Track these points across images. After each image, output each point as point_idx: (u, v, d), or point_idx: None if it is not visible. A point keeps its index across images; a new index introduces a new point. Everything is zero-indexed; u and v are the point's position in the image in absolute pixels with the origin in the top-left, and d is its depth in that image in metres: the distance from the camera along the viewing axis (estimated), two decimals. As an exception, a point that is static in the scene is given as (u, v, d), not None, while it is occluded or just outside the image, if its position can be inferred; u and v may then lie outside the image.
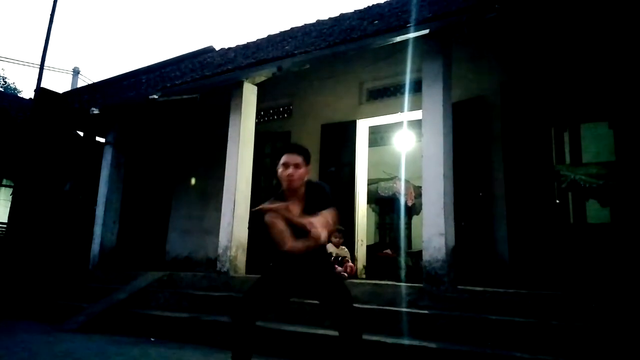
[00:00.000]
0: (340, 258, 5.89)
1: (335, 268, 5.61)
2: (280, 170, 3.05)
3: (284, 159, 3.06)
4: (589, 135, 6.26)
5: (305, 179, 3.06)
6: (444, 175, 4.90)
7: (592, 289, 4.65)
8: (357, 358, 2.85)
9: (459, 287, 4.64)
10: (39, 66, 9.62)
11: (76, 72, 17.12)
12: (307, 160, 3.08)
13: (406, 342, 3.88)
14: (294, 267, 3.01)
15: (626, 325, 3.59)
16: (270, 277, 3.07)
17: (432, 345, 3.77)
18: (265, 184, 8.69)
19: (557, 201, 5.90)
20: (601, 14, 5.51)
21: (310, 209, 2.94)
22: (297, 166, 3.01)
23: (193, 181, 9.62)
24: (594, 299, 3.95)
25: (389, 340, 3.90)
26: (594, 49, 5.71)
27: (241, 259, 6.36)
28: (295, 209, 3.02)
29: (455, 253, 4.83)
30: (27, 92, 35.06)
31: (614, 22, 5.54)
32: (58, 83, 64.63)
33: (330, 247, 5.82)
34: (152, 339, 5.06)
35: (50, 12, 8.68)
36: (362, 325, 2.96)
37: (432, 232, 4.83)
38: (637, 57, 5.40)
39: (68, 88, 16.28)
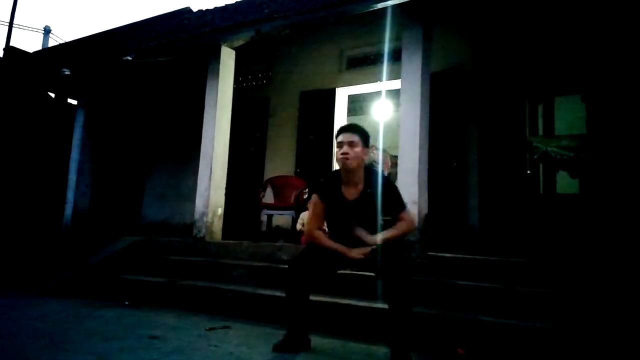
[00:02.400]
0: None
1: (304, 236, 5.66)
2: (336, 150, 3.00)
3: (339, 137, 2.99)
4: (562, 108, 6.38)
5: (364, 160, 2.98)
6: (419, 145, 4.95)
7: (559, 257, 4.82)
8: (407, 332, 2.81)
9: (430, 253, 4.77)
10: (7, 24, 9.23)
11: (47, 31, 16.44)
12: (364, 141, 3.00)
13: (379, 305, 3.98)
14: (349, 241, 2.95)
15: (590, 291, 3.75)
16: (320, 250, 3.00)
17: (403, 308, 3.88)
18: (243, 150, 8.65)
19: (529, 172, 6.05)
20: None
21: (369, 201, 2.91)
22: (351, 144, 2.93)
23: (170, 146, 9.51)
24: (560, 267, 4.11)
25: (362, 303, 4.00)
26: (568, 22, 5.77)
27: (217, 225, 6.38)
28: (350, 192, 2.97)
29: (427, 221, 4.93)
30: (-5, 50, 33.63)
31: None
32: (28, 42, 62.23)
33: (306, 215, 5.87)
34: (127, 303, 5.08)
35: (18, -34, 8.28)
36: (415, 299, 2.93)
37: (406, 200, 4.86)
38: (610, 31, 5.47)
39: (39, 48, 15.71)
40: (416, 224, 3.00)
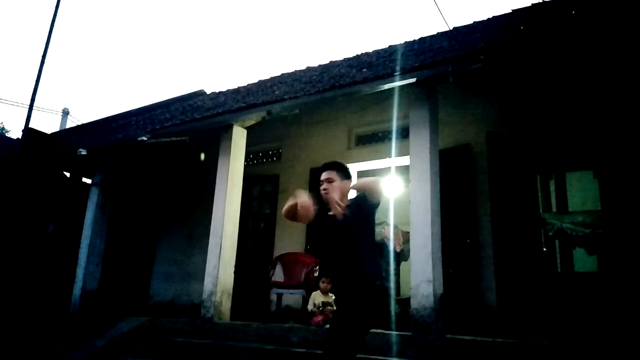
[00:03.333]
0: (327, 305, 5.71)
1: (315, 317, 5.48)
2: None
3: (321, 177, 3.14)
4: (575, 184, 6.35)
5: (346, 192, 3.09)
6: (431, 221, 4.90)
7: (580, 338, 4.59)
8: None
9: (448, 335, 4.56)
10: (28, 106, 9.63)
11: (65, 113, 17.13)
12: (342, 174, 3.13)
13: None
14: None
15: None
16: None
17: (421, 397, 3.66)
18: (252, 227, 8.62)
19: (545, 249, 5.91)
20: (584, 66, 5.70)
21: (350, 216, 2.93)
22: (329, 180, 3.08)
23: (179, 223, 9.52)
24: (582, 349, 3.89)
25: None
26: (578, 99, 5.88)
27: (226, 305, 6.21)
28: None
29: (443, 301, 4.77)
30: (15, 132, 34.96)
31: (597, 73, 5.73)
32: (47, 123, 64.75)
33: (317, 294, 5.71)
34: (131, 389, 4.86)
35: (42, 52, 8.74)
36: None
37: (420, 278, 4.78)
38: (620, 109, 5.55)
39: (57, 129, 16.27)
40: (380, 185, 2.93)
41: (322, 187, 3.10)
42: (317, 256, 6.94)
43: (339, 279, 3.07)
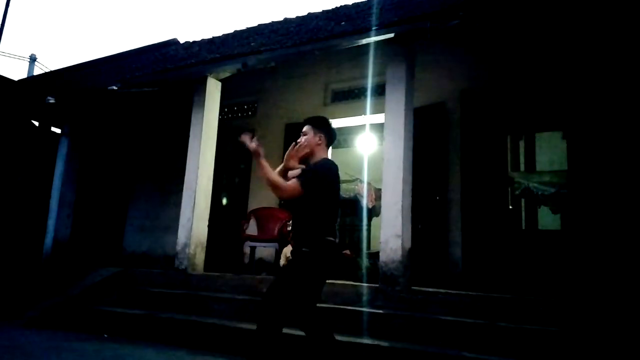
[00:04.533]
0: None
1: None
2: None
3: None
4: (544, 145, 6.50)
5: (318, 144, 3.10)
6: (403, 178, 4.99)
7: (541, 292, 4.83)
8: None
9: (414, 287, 4.75)
10: (-7, 51, 9.22)
11: (33, 60, 16.43)
12: (316, 126, 3.14)
13: (361, 340, 3.94)
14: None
15: (572, 327, 3.76)
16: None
17: (385, 344, 3.85)
18: (227, 181, 8.62)
19: (510, 207, 6.11)
20: (558, 27, 5.74)
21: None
22: (304, 134, 3.14)
23: (152, 176, 9.44)
24: (543, 302, 4.11)
25: (345, 338, 3.94)
26: (549, 61, 5.94)
27: (200, 257, 6.29)
28: None
29: (411, 255, 4.93)
30: (-20, 77, 33.44)
31: (569, 34, 5.78)
32: (13, 70, 62.09)
33: (288, 249, 5.83)
34: (106, 335, 4.95)
35: (6, -4, 8.34)
36: (328, 329, 2.87)
37: (390, 233, 4.91)
38: (590, 70, 5.64)
39: (24, 76, 15.65)
40: (288, 192, 2.96)
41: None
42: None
43: (292, 233, 3.15)
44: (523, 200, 6.13)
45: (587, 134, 5.64)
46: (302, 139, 3.13)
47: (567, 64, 5.83)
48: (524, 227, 6.10)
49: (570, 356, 3.50)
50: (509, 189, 6.13)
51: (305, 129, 3.17)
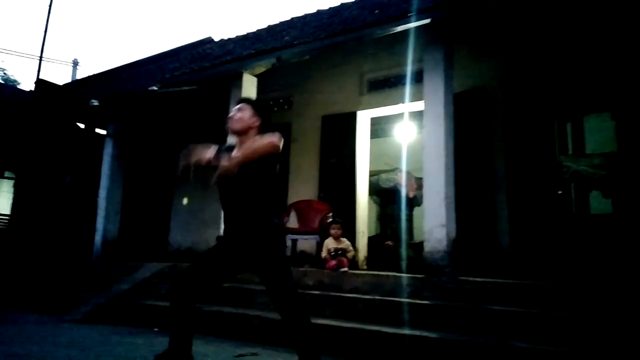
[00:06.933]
0: (340, 251, 5.79)
1: (329, 262, 5.59)
2: None
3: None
4: (592, 127, 6.22)
5: (252, 127, 2.99)
6: (445, 166, 4.89)
7: (594, 279, 4.65)
8: (306, 343, 2.78)
9: (460, 277, 4.65)
10: (38, 57, 9.59)
11: (75, 64, 17.07)
12: (254, 107, 3.03)
13: (407, 332, 3.89)
14: (234, 237, 2.94)
15: (628, 315, 3.59)
16: (212, 251, 2.99)
17: (433, 335, 3.78)
18: (266, 175, 8.67)
19: (560, 192, 5.88)
20: (604, 6, 5.46)
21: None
22: (239, 110, 3.01)
23: (193, 172, 9.59)
24: (596, 290, 3.95)
25: (390, 330, 3.91)
26: (596, 40, 5.67)
27: (242, 251, 6.35)
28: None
29: (456, 244, 4.83)
30: (27, 84, 35.01)
31: (616, 14, 5.49)
32: (58, 75, 64.49)
33: (329, 241, 5.80)
34: (156, 329, 5.08)
35: (48, 3, 8.63)
36: (307, 310, 2.88)
37: (434, 223, 4.82)
38: (637, 46, 5.35)
39: (68, 80, 16.23)
40: (279, 144, 2.87)
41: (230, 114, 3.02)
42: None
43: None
44: (573, 184, 5.90)
45: (636, 114, 5.36)
46: (236, 114, 2.99)
47: (612, 41, 5.55)
48: (574, 212, 5.87)
49: (625, 344, 3.34)
50: (558, 174, 5.90)
51: (242, 105, 3.04)
